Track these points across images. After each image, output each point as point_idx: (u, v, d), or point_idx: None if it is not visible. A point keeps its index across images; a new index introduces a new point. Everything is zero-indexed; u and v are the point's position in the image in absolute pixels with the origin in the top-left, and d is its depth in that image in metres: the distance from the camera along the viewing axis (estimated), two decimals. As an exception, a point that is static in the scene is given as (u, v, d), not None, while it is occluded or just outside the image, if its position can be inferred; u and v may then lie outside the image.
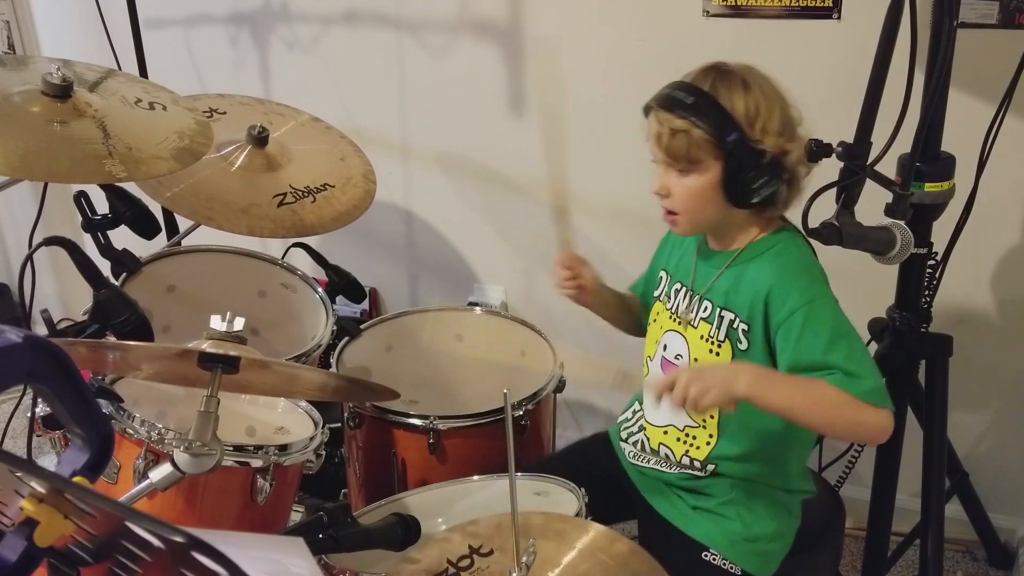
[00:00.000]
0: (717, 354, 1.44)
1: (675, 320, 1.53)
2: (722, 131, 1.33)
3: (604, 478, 1.61)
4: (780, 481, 1.50)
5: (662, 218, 1.47)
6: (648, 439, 1.58)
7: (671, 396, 1.31)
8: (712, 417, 1.47)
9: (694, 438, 1.51)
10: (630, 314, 1.72)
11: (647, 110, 1.42)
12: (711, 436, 1.48)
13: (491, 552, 1.19)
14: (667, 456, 1.54)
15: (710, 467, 1.49)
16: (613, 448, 1.67)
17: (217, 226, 1.78)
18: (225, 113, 2.02)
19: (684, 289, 1.52)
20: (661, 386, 1.33)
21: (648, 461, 1.58)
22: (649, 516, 1.58)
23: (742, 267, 1.44)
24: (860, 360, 1.34)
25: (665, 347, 1.55)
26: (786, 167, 1.37)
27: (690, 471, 1.51)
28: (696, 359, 1.48)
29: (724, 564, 1.47)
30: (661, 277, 1.60)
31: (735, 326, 1.42)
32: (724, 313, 1.44)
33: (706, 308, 1.47)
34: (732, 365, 1.40)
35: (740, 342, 1.42)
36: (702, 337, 1.47)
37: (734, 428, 1.46)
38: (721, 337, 1.44)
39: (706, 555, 1.48)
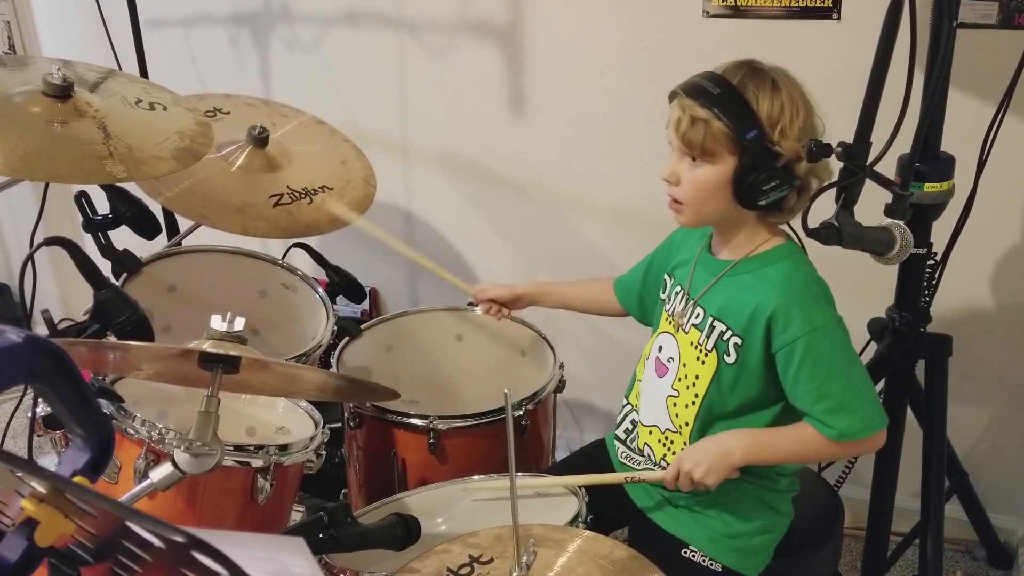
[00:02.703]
0: (703, 362, 1.44)
1: (670, 322, 1.53)
2: (742, 127, 1.32)
3: (603, 485, 1.61)
4: (762, 479, 1.50)
5: (667, 205, 1.45)
6: (637, 437, 1.59)
7: (679, 484, 1.43)
8: (687, 424, 1.48)
9: (672, 442, 1.51)
10: (594, 302, 1.81)
11: (672, 96, 1.41)
12: (685, 443, 1.49)
13: (491, 560, 1.19)
14: (650, 456, 1.55)
15: None
16: (609, 454, 1.67)
17: (212, 224, 1.78)
18: (229, 113, 2.03)
19: (682, 292, 1.52)
20: (669, 479, 1.44)
21: (636, 463, 1.59)
22: (636, 516, 1.58)
23: (740, 279, 1.43)
24: (855, 392, 1.37)
25: (660, 348, 1.55)
26: (798, 174, 1.37)
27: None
28: (685, 364, 1.48)
29: (704, 561, 1.48)
30: (665, 280, 1.60)
31: (726, 338, 1.42)
32: (716, 324, 1.43)
33: (698, 315, 1.47)
34: (723, 440, 1.42)
35: (728, 354, 1.42)
36: (691, 343, 1.47)
37: (700, 437, 1.47)
38: (709, 347, 1.44)
39: (686, 552, 1.49)
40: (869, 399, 1.38)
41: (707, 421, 1.46)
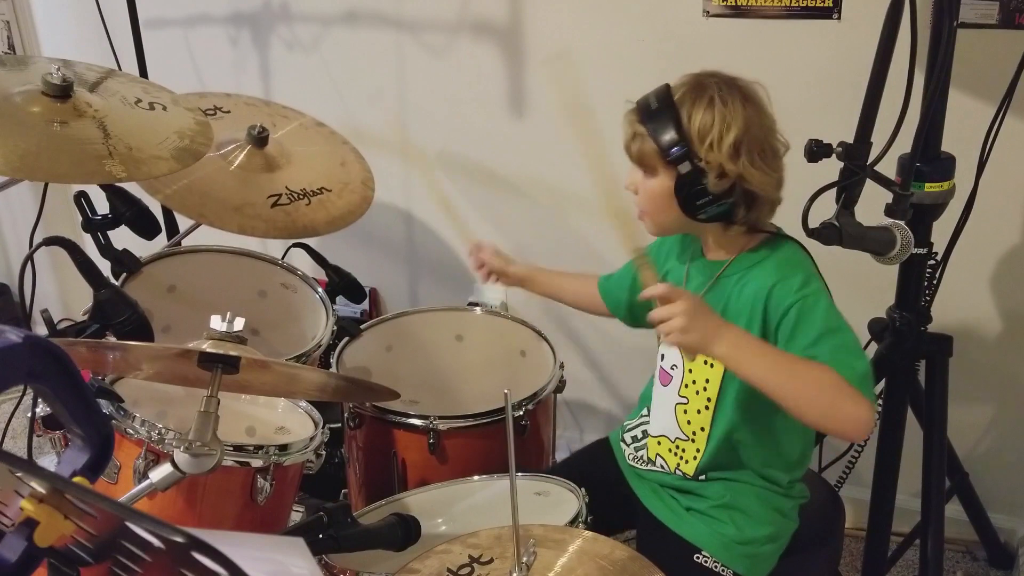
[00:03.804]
0: (711, 365, 1.43)
1: None
2: (669, 143, 1.33)
3: (606, 484, 1.60)
4: (775, 486, 1.50)
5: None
6: (647, 448, 1.58)
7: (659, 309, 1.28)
8: (703, 430, 1.47)
9: (683, 451, 1.50)
10: (581, 299, 1.79)
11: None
12: (698, 450, 1.48)
13: (491, 560, 1.19)
14: (663, 466, 1.55)
15: (701, 477, 1.50)
16: (614, 452, 1.67)
17: (209, 223, 1.78)
18: (229, 112, 2.02)
19: None
20: (660, 293, 1.28)
21: (646, 465, 1.58)
22: (645, 518, 1.57)
23: (735, 277, 1.42)
24: (852, 349, 1.33)
25: (663, 357, 1.54)
26: (736, 189, 1.33)
27: (683, 476, 1.52)
28: (690, 369, 1.47)
29: (716, 567, 1.47)
30: None
31: None
32: None
33: None
34: (723, 324, 1.30)
35: None
36: None
37: (720, 443, 1.46)
38: None
39: (698, 557, 1.48)
40: (865, 360, 1.33)
41: (728, 425, 1.44)
